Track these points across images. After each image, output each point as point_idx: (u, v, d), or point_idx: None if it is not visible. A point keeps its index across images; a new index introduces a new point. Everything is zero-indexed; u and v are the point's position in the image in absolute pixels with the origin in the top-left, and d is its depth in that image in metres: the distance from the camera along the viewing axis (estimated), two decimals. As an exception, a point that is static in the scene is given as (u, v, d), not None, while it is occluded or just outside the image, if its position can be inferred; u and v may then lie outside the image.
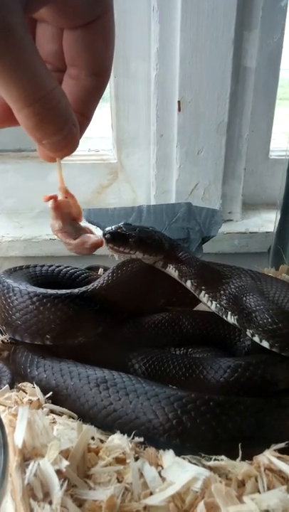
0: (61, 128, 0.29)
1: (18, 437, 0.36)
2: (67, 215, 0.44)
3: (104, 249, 0.79)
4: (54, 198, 0.43)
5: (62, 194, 0.43)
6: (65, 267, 0.63)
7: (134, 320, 0.58)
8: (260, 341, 0.47)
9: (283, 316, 0.46)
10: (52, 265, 0.63)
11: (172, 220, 0.63)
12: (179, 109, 0.72)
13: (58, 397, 0.46)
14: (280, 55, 0.74)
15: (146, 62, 0.72)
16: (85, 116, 0.33)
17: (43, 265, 0.63)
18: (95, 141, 0.89)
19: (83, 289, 0.52)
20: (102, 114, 0.84)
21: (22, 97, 0.27)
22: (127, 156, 0.83)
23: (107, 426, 0.42)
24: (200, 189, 0.79)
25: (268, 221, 0.82)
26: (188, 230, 0.63)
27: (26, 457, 0.36)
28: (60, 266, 0.63)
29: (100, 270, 0.70)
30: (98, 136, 0.90)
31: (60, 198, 0.43)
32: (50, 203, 0.43)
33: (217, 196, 0.80)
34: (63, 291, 0.50)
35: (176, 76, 0.70)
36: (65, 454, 0.37)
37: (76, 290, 0.51)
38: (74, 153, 0.87)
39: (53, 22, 0.31)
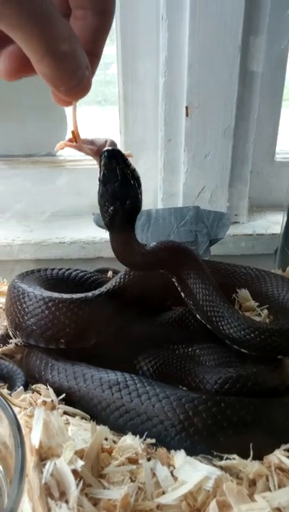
0: (77, 73, 0.31)
1: (34, 438, 0.38)
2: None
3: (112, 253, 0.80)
4: (66, 145, 0.45)
5: (73, 137, 0.45)
6: (75, 270, 0.64)
7: (144, 319, 0.59)
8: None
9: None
10: (62, 268, 0.64)
11: (180, 223, 0.64)
12: (187, 115, 0.73)
13: (71, 399, 0.47)
14: (286, 61, 0.75)
15: (155, 69, 0.73)
16: (94, 55, 0.34)
17: (54, 268, 0.64)
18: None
19: (97, 292, 0.53)
20: (111, 118, 0.85)
21: (43, 45, 0.28)
22: (135, 160, 0.83)
23: (120, 427, 0.43)
24: (207, 192, 0.80)
25: (274, 223, 0.83)
26: (196, 233, 0.64)
27: (42, 457, 0.37)
28: (70, 269, 0.64)
29: (110, 273, 0.71)
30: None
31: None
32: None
33: (224, 199, 0.81)
34: (78, 296, 0.51)
35: (184, 82, 0.71)
36: (80, 454, 0.38)
37: (90, 294, 0.52)
38: (81, 157, 0.88)
39: None
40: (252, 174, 0.80)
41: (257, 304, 0.61)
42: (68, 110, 0.36)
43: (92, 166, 0.87)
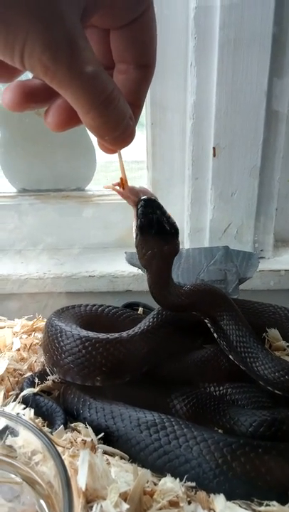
0: (121, 124, 0.33)
1: (81, 480, 0.39)
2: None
3: (140, 286, 0.83)
4: (114, 189, 0.48)
5: (121, 184, 0.47)
6: (108, 307, 0.67)
7: (176, 358, 0.61)
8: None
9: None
10: (95, 305, 0.66)
11: (210, 263, 0.66)
12: (214, 155, 0.76)
13: (109, 438, 0.48)
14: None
15: (183, 112, 0.76)
16: (136, 106, 0.36)
17: (87, 305, 0.66)
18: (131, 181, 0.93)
19: (131, 332, 0.55)
20: (138, 154, 0.88)
21: (88, 101, 0.30)
22: (162, 196, 0.86)
23: (158, 468, 0.44)
24: (233, 228, 0.82)
25: (299, 258, 0.85)
26: (226, 272, 0.66)
27: (89, 499, 0.39)
28: (102, 305, 0.67)
29: (140, 309, 0.73)
30: (133, 176, 0.94)
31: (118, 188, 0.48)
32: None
33: (250, 235, 0.83)
34: (113, 336, 0.53)
35: (211, 125, 0.74)
36: (123, 496, 0.39)
37: (125, 334, 0.54)
38: (108, 192, 0.91)
39: (102, 25, 0.34)
40: (277, 211, 0.82)
41: (287, 344, 0.62)
42: (98, 147, 0.38)
43: (118, 201, 0.91)
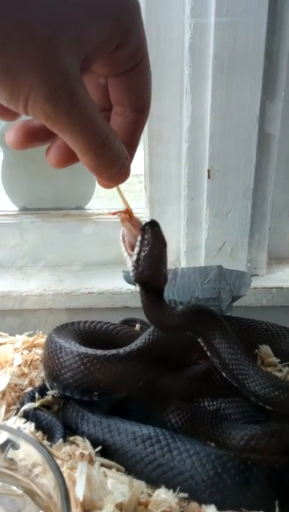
0: (116, 163, 0.36)
1: (79, 491, 0.41)
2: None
3: (138, 303, 0.85)
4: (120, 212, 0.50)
5: (127, 212, 0.50)
6: (106, 323, 0.69)
7: (171, 374, 0.63)
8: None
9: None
10: (94, 321, 0.69)
11: (205, 281, 0.69)
12: (209, 177, 0.79)
13: (106, 451, 0.50)
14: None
15: (179, 135, 0.80)
16: (132, 145, 0.39)
17: (86, 321, 0.68)
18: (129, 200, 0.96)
19: (128, 349, 0.57)
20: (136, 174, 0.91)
21: (86, 144, 0.33)
22: (159, 215, 0.89)
23: (153, 480, 0.47)
24: (228, 246, 0.85)
25: (292, 275, 0.87)
26: (220, 290, 0.68)
27: (86, 509, 0.41)
28: (100, 322, 0.69)
29: (137, 326, 0.75)
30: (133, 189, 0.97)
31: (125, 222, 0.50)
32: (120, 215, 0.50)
33: (244, 253, 0.85)
34: (110, 352, 0.56)
35: (206, 148, 0.77)
36: (119, 507, 0.42)
37: (122, 351, 0.57)
38: (108, 211, 0.94)
39: (101, 72, 0.37)
40: (270, 230, 0.85)
41: (278, 360, 0.65)
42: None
43: (117, 220, 0.94)
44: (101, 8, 0.31)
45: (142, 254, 0.51)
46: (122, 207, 0.51)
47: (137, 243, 0.52)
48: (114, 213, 0.51)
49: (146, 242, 0.51)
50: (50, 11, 0.29)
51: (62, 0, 0.29)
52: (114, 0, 0.32)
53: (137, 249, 0.52)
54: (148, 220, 0.52)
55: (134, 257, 0.52)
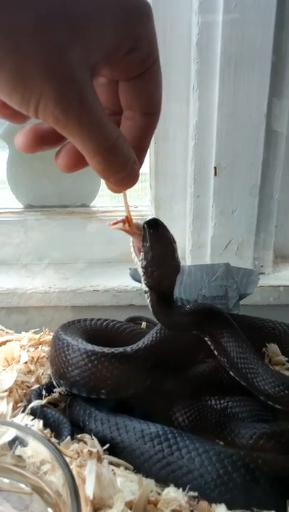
0: (125, 167, 0.35)
1: (88, 489, 0.41)
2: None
3: (143, 301, 0.84)
4: (119, 228, 0.50)
5: (127, 221, 0.49)
6: (112, 321, 0.69)
7: (178, 372, 0.63)
8: None
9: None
10: (100, 319, 0.68)
11: (212, 279, 0.68)
12: (215, 174, 0.79)
13: (114, 449, 0.50)
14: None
15: (185, 132, 0.79)
16: (141, 150, 0.39)
17: (92, 319, 0.68)
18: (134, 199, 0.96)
19: (135, 347, 0.57)
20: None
21: (94, 147, 0.33)
22: (164, 213, 0.89)
23: (161, 478, 0.46)
24: (234, 244, 0.85)
25: (298, 273, 0.87)
26: (227, 288, 0.68)
27: (96, 507, 0.41)
28: (107, 319, 0.69)
29: (144, 324, 0.75)
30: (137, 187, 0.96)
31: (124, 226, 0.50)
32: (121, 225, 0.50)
33: (250, 251, 0.85)
34: (118, 350, 0.55)
35: (213, 145, 0.77)
36: (129, 505, 0.41)
37: (129, 349, 0.56)
38: (112, 208, 0.94)
39: (111, 77, 0.37)
40: (276, 228, 0.85)
41: (286, 359, 0.64)
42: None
43: (122, 217, 0.93)
44: (113, 13, 0.31)
45: (148, 260, 0.51)
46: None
47: (142, 249, 0.52)
48: (114, 223, 0.51)
49: (147, 245, 0.51)
50: (62, 15, 0.29)
51: (73, 5, 0.29)
52: (127, 4, 0.32)
53: (142, 255, 0.52)
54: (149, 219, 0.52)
55: (143, 263, 0.52)
